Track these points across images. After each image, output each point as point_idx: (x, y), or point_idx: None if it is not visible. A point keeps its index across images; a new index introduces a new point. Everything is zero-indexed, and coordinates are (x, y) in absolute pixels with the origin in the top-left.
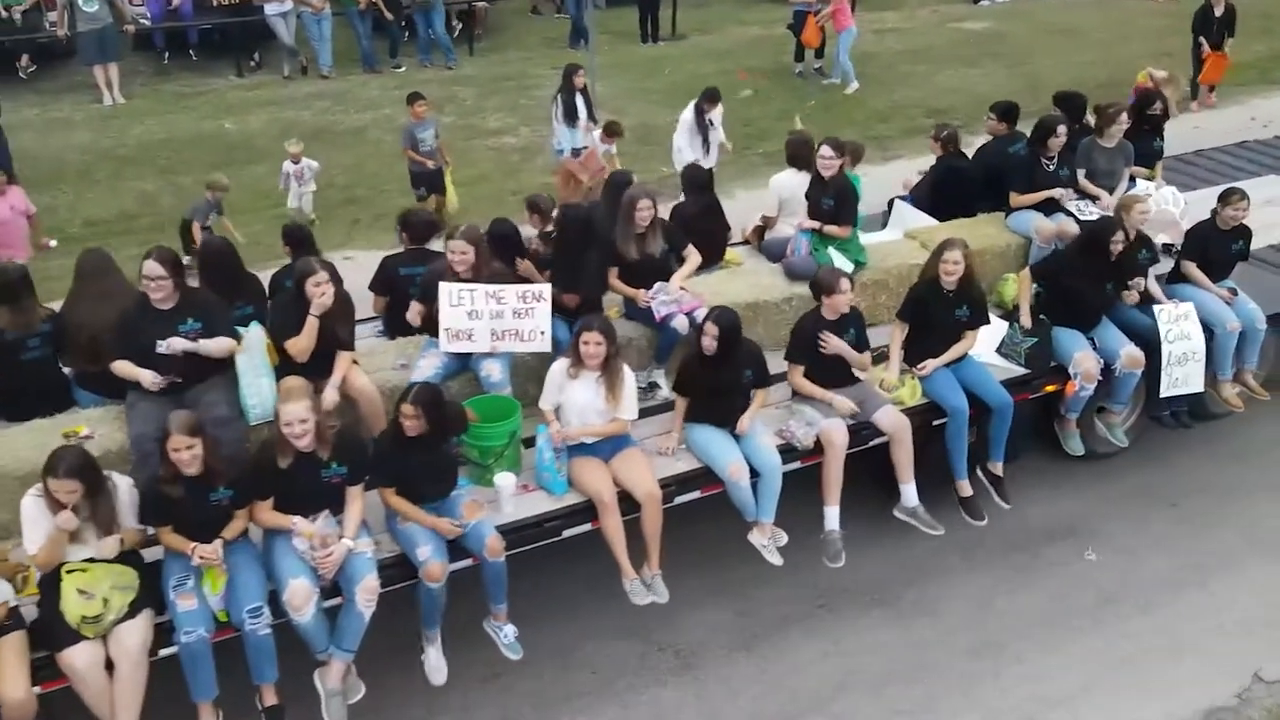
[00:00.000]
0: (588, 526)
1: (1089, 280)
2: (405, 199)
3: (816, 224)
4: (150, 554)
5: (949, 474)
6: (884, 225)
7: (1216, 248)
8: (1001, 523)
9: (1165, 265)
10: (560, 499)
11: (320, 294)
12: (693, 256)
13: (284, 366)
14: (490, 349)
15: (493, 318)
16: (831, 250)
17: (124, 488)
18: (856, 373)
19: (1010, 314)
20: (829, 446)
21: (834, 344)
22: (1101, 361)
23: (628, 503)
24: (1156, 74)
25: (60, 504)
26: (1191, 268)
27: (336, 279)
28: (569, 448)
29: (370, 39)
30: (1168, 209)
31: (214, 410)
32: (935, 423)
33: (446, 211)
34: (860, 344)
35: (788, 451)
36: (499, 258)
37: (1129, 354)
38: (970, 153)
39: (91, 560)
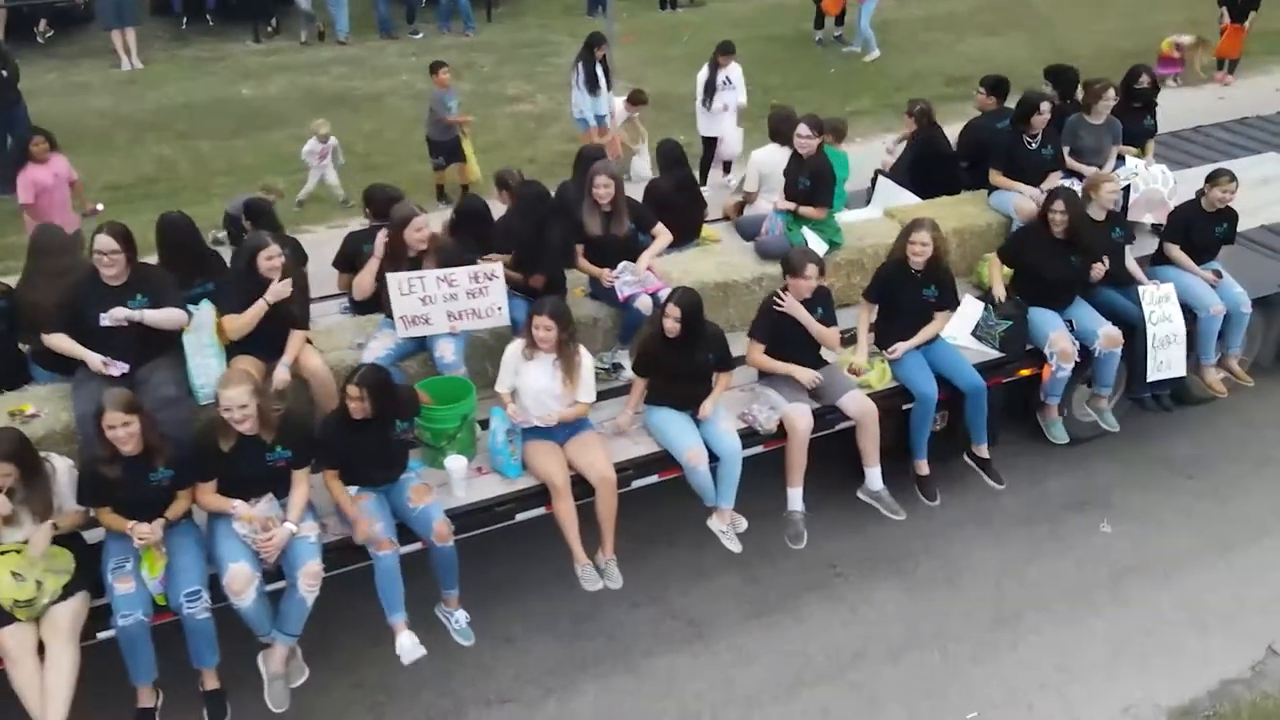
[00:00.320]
0: (541, 510)
1: (1046, 254)
2: (423, 165)
3: (791, 205)
4: (94, 535)
5: (963, 443)
6: (868, 201)
7: (1200, 230)
8: (1020, 494)
9: (1153, 245)
10: (514, 482)
11: (272, 268)
12: (661, 236)
13: (235, 345)
14: (450, 329)
15: (446, 300)
16: (806, 230)
17: (63, 469)
18: (825, 354)
19: (988, 296)
20: (792, 431)
21: (789, 305)
22: (1078, 343)
23: (584, 486)
24: (1182, 40)
25: None
26: (1174, 250)
27: (300, 256)
28: (523, 431)
29: (388, 4)
30: (1156, 188)
31: (161, 390)
32: (904, 407)
33: (470, 179)
34: (827, 323)
35: (750, 435)
36: (469, 235)
37: (1107, 333)
38: (955, 130)
39: (26, 543)
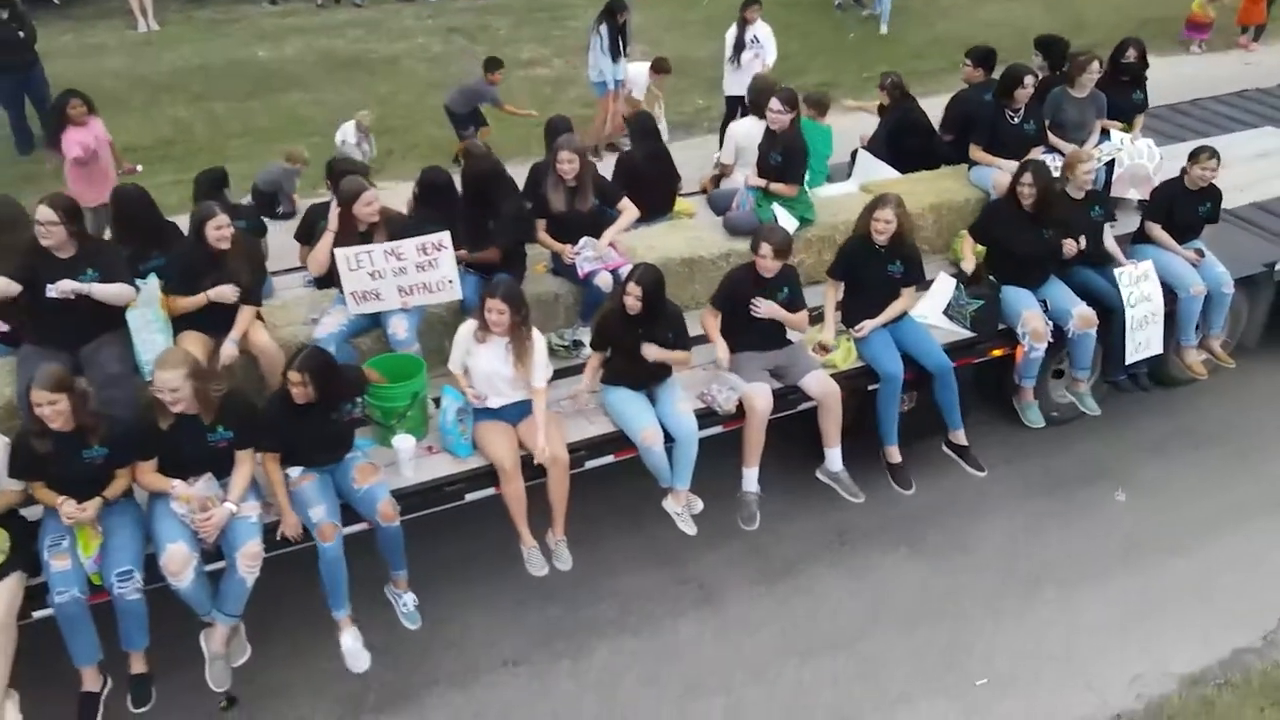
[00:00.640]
0: (491, 491)
1: (1015, 228)
2: (439, 130)
3: (763, 182)
4: (34, 513)
5: (939, 427)
6: (849, 176)
7: (1183, 209)
8: (1033, 463)
9: (1137, 222)
10: (464, 462)
11: (220, 237)
12: (627, 212)
13: (183, 320)
14: (401, 305)
15: (396, 274)
16: (776, 207)
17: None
18: (791, 335)
19: (963, 274)
20: (750, 412)
21: (765, 309)
22: (1051, 323)
23: (539, 466)
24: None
25: None
26: (1155, 229)
27: (258, 228)
28: (475, 410)
29: None
30: (1141, 163)
31: (108, 366)
32: (870, 387)
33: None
34: (795, 303)
35: (709, 416)
36: (432, 207)
37: (1081, 314)
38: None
39: None
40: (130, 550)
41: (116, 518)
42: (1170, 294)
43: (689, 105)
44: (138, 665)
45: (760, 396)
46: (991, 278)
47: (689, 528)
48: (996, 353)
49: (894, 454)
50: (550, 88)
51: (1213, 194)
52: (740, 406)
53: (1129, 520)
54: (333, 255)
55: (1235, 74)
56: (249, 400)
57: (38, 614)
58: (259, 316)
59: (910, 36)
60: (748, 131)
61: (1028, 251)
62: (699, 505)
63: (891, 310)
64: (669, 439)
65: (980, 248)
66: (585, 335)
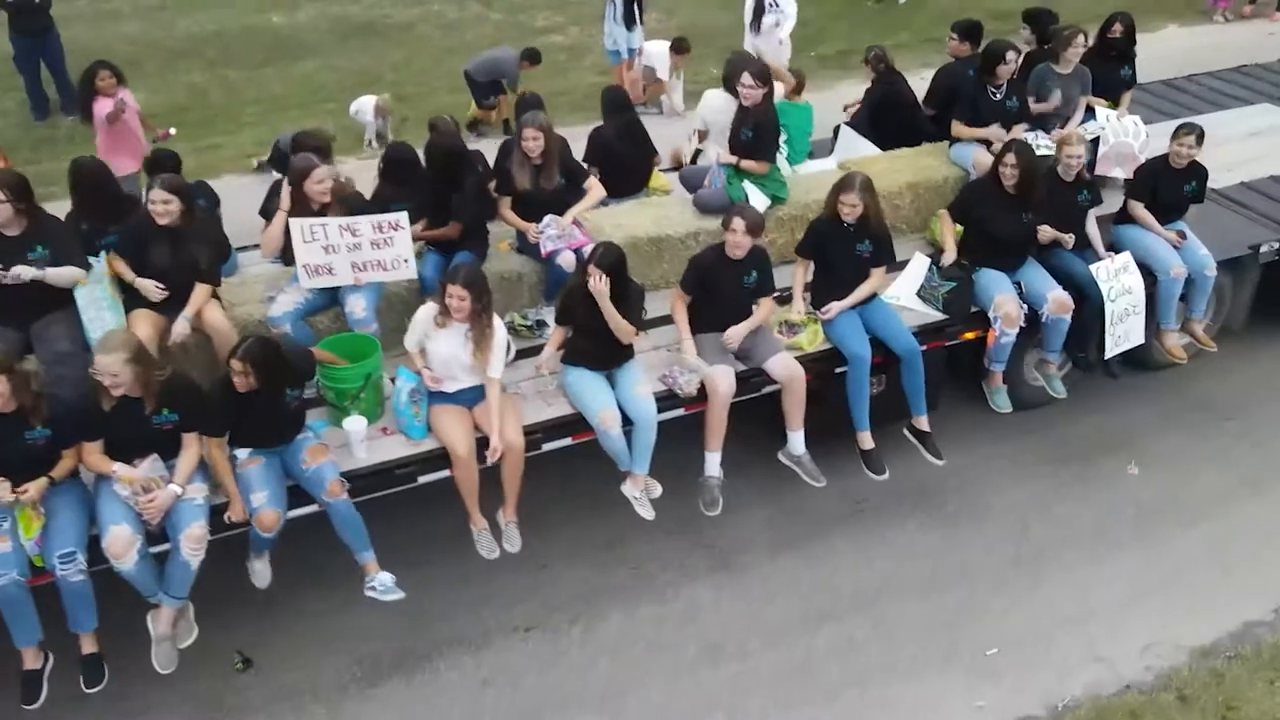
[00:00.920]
0: (445, 473)
1: (995, 210)
2: (453, 96)
3: (734, 159)
4: None
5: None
6: (831, 152)
7: (1167, 188)
8: (1049, 434)
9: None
10: (418, 444)
11: (160, 213)
12: (592, 191)
13: (134, 298)
14: (354, 281)
15: (350, 250)
16: (748, 185)
17: None
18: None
19: (940, 255)
20: (712, 394)
21: (731, 335)
22: (1025, 306)
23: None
24: None
25: None
26: (1138, 208)
27: (213, 201)
28: (429, 392)
29: None
30: (1126, 141)
31: (57, 345)
32: (838, 370)
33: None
34: (763, 287)
35: (670, 398)
36: (397, 183)
37: (1056, 298)
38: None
39: None
40: (73, 532)
41: (60, 499)
42: (1150, 276)
43: (704, 74)
44: (88, 646)
45: (722, 379)
46: (965, 261)
47: (647, 512)
48: (968, 336)
49: (866, 440)
50: (566, 55)
51: (1198, 172)
52: (702, 389)
53: (1142, 492)
54: (288, 228)
55: (1259, 44)
56: (194, 383)
57: None
58: (215, 295)
59: (931, 3)
60: (717, 106)
61: (1007, 234)
62: (657, 490)
63: (860, 292)
64: (628, 422)
65: (959, 227)
66: (549, 315)
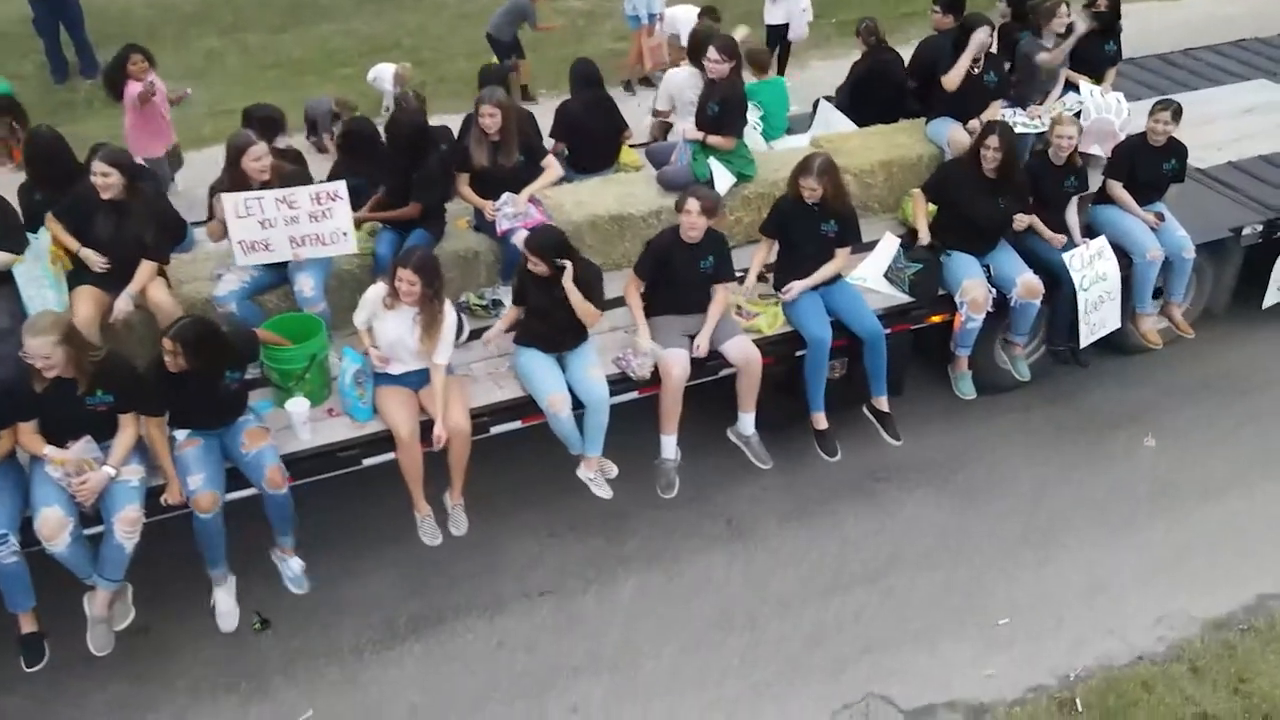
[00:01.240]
0: (391, 456)
1: (972, 193)
2: (470, 62)
3: (700, 134)
4: None
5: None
6: (810, 128)
7: (1146, 167)
8: (1064, 407)
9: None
10: (362, 426)
11: (101, 185)
12: (550, 170)
13: (79, 275)
14: (293, 257)
15: (288, 224)
16: (713, 161)
17: None
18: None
19: (913, 236)
20: (666, 378)
21: (701, 347)
22: (994, 291)
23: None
24: None
25: None
26: (1116, 188)
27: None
28: (376, 374)
29: None
30: (1107, 118)
31: None
32: (798, 353)
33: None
34: (720, 272)
35: (625, 381)
36: (355, 158)
37: (1025, 282)
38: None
39: None
40: (3, 514)
41: None
42: (1126, 259)
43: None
44: (26, 625)
45: (676, 363)
46: (934, 241)
47: (604, 492)
48: (935, 319)
49: (820, 420)
50: (585, 20)
51: (1177, 151)
52: (656, 372)
53: (1158, 465)
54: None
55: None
56: (129, 364)
57: None
58: (162, 273)
59: None
60: (681, 81)
61: (982, 219)
62: (613, 470)
63: (822, 272)
64: (580, 405)
65: (932, 207)
66: (505, 295)
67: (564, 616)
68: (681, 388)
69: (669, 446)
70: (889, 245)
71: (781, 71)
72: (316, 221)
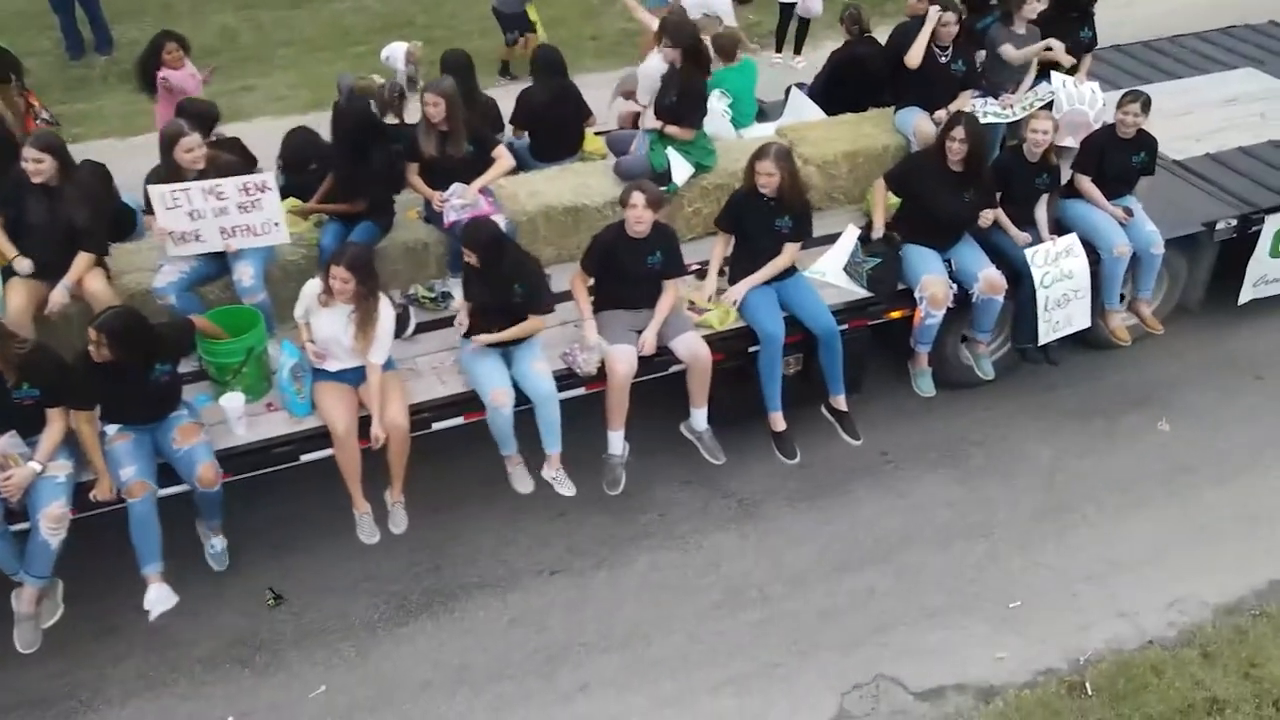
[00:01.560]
0: (329, 452)
1: (936, 185)
2: (483, 40)
3: (658, 124)
4: None
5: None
6: (781, 115)
7: (1114, 160)
8: (1078, 388)
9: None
10: (300, 421)
11: (35, 172)
12: (500, 161)
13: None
14: (224, 247)
15: (217, 214)
16: (671, 152)
17: None
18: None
19: (868, 228)
20: (611, 374)
21: (647, 346)
22: (955, 286)
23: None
24: None
25: None
26: (1084, 181)
27: (100, 171)
28: (314, 369)
29: None
30: (1080, 109)
31: None
32: (751, 349)
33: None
34: (669, 268)
35: (572, 376)
36: (297, 173)
37: (987, 277)
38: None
39: None
40: None
41: None
42: (1093, 255)
43: (739, 19)
44: None
45: (621, 360)
46: (894, 234)
47: (567, 489)
48: (894, 315)
49: (778, 421)
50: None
51: (1146, 143)
52: (603, 368)
53: (1171, 447)
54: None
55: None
56: (57, 357)
57: None
58: (101, 262)
59: None
60: (653, 69)
61: (947, 214)
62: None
63: (768, 269)
64: (527, 401)
65: (895, 199)
66: (455, 287)
67: (575, 594)
68: (627, 385)
69: (616, 443)
70: (850, 238)
71: (798, 50)
72: (246, 212)
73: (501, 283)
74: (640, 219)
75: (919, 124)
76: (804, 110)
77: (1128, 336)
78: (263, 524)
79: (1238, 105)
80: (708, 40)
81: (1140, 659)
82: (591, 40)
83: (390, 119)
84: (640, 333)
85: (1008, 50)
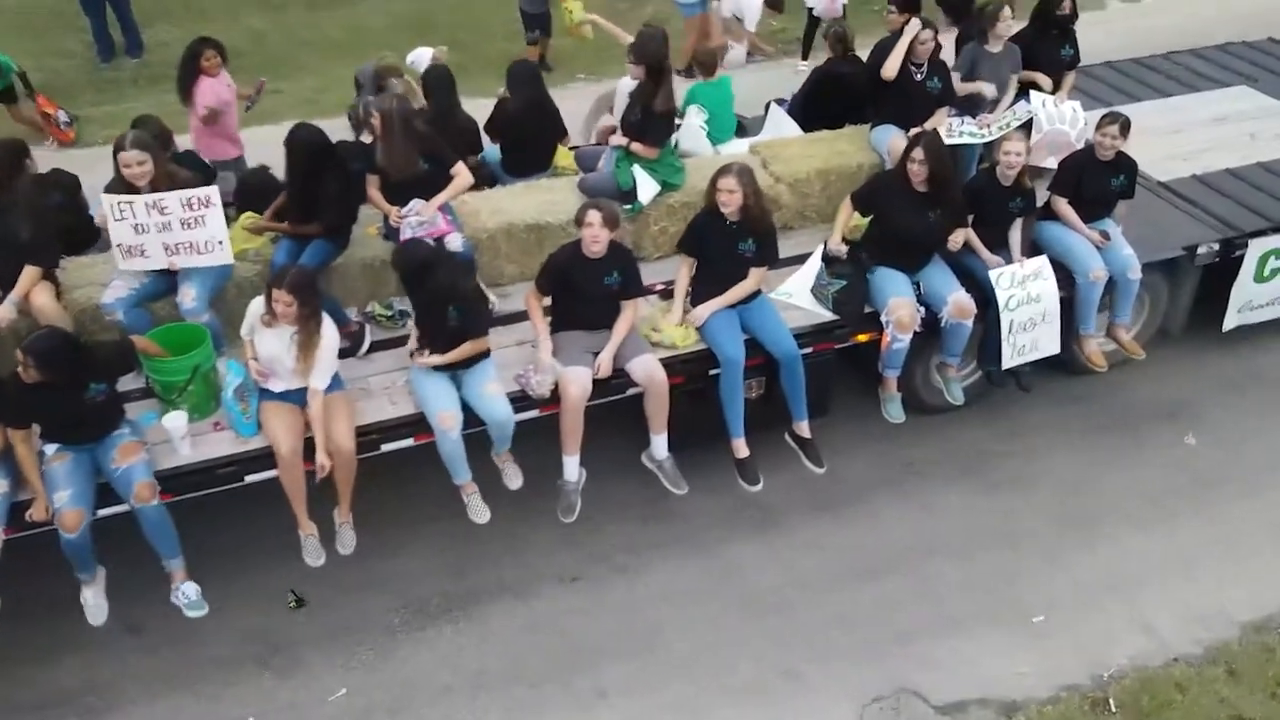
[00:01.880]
0: (274, 473)
1: (901, 206)
2: (510, 43)
3: (624, 140)
4: None
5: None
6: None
7: (1092, 182)
8: (1103, 402)
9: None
10: (246, 441)
11: None
12: (459, 178)
13: None
14: (169, 265)
15: (160, 230)
16: (637, 169)
17: None
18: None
19: (829, 248)
20: (564, 397)
21: (604, 369)
22: (923, 310)
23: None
24: None
25: None
26: (1061, 204)
27: (68, 182)
28: (260, 389)
29: None
30: (1061, 129)
31: None
32: (711, 372)
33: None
34: (627, 288)
35: (525, 398)
36: (254, 207)
37: (957, 301)
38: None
39: None
40: None
41: None
42: (1069, 279)
43: (763, 26)
44: None
45: (575, 383)
46: (863, 255)
47: (515, 483)
48: (861, 338)
49: (740, 448)
50: (626, 3)
51: (1125, 165)
52: (557, 390)
53: (1197, 461)
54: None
55: None
56: None
57: None
58: (49, 276)
59: None
60: (628, 87)
61: (913, 234)
62: (517, 481)
63: (732, 294)
64: (479, 423)
65: (862, 220)
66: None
67: (595, 600)
68: (581, 408)
69: (570, 468)
70: (818, 260)
71: (805, 55)
72: (189, 229)
73: (435, 306)
74: (596, 238)
75: (893, 143)
76: (783, 127)
77: (1103, 362)
78: (285, 524)
79: (1227, 124)
80: (734, 45)
81: (1165, 676)
82: (614, 48)
83: (366, 137)
84: (598, 354)
85: (956, 83)
